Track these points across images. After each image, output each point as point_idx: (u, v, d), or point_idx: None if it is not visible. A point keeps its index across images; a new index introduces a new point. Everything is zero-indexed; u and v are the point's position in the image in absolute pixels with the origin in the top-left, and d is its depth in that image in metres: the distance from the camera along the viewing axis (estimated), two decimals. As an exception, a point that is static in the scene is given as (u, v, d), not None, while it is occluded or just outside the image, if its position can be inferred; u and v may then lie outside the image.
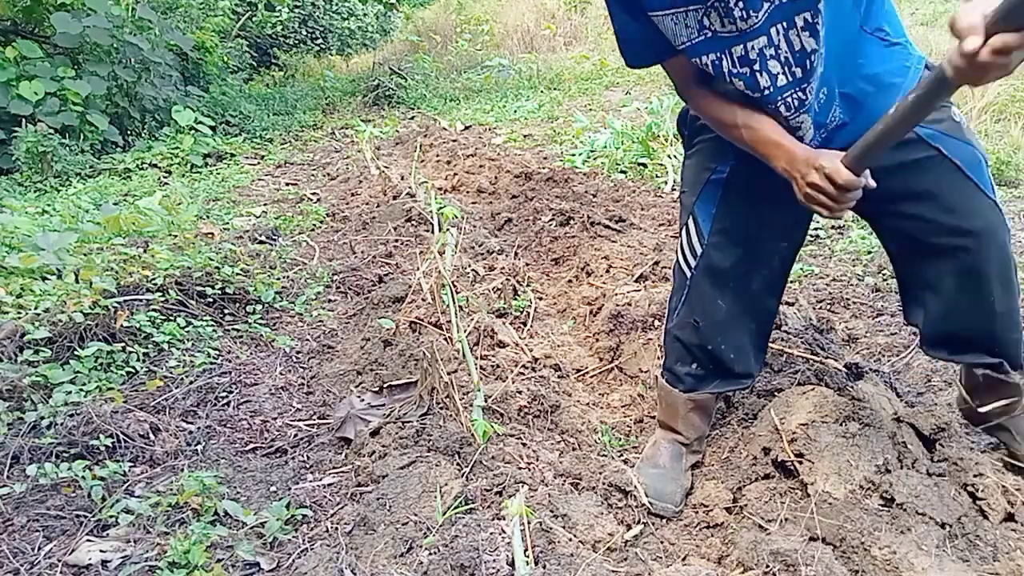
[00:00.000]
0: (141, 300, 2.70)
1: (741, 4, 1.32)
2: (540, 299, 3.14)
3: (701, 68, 1.45)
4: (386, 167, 5.65)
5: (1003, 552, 1.45)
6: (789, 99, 1.43)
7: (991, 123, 4.70)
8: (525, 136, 6.70)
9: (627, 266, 3.12)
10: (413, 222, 4.10)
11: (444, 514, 1.62)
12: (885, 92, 1.47)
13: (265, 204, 5.06)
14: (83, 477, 1.80)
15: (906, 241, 1.62)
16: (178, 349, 2.58)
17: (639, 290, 2.87)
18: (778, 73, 1.39)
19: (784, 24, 1.34)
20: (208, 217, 4.55)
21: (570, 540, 1.58)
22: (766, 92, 1.42)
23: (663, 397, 1.95)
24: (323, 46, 15.02)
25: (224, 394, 2.39)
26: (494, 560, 1.48)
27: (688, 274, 1.76)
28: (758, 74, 1.40)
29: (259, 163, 6.80)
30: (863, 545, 1.49)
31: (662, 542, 1.71)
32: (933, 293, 1.62)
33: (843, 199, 1.36)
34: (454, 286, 2.86)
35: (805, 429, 1.80)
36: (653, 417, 2.24)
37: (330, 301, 3.26)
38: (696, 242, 1.73)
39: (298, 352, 2.76)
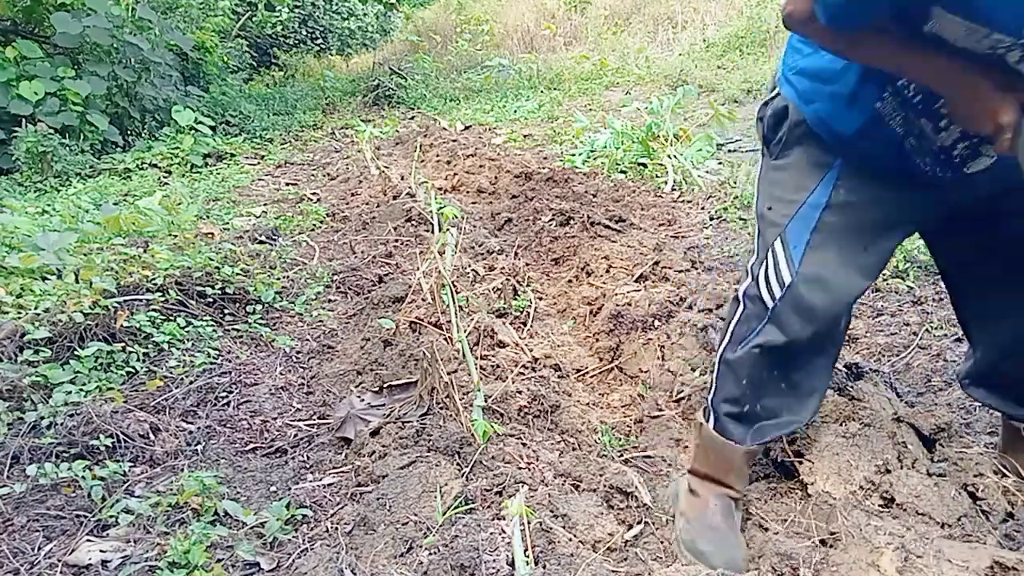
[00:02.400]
0: (141, 300, 2.70)
1: None
2: (540, 299, 3.14)
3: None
4: (386, 167, 5.65)
5: (1004, 552, 1.45)
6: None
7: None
8: (525, 136, 6.70)
9: (627, 266, 3.12)
10: (413, 222, 4.10)
11: (444, 514, 1.62)
12: None
13: (265, 204, 5.06)
14: (83, 477, 1.80)
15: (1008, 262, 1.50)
16: (178, 349, 2.58)
17: (639, 290, 2.87)
18: None
19: None
20: (208, 217, 4.55)
21: (570, 540, 1.58)
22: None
23: (712, 449, 1.67)
24: (323, 46, 15.03)
25: (224, 394, 2.39)
26: (494, 560, 1.48)
27: (770, 304, 1.52)
28: None
29: (259, 163, 6.81)
30: (863, 545, 1.49)
31: (662, 542, 1.71)
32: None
33: None
34: (454, 286, 2.85)
35: (805, 429, 1.80)
36: (654, 417, 2.23)
37: (330, 301, 3.26)
38: (785, 269, 1.51)
39: (298, 352, 2.76)
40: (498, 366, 2.42)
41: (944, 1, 1.12)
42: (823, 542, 1.57)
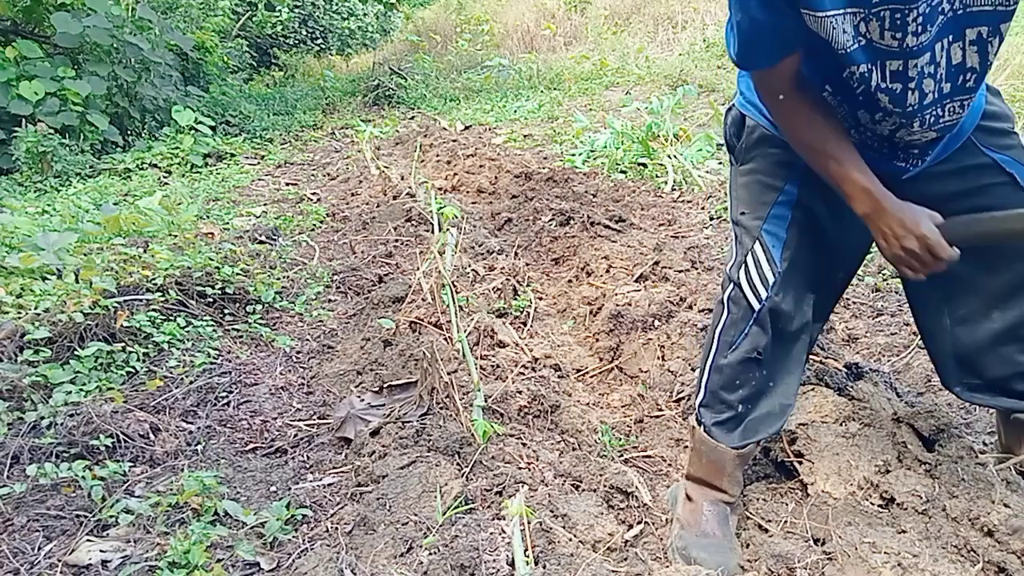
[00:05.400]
0: (141, 300, 2.70)
1: (919, 18, 1.18)
2: (540, 299, 3.14)
3: (808, 76, 1.35)
4: (386, 167, 5.65)
5: (1003, 552, 1.45)
6: (928, 116, 1.34)
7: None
8: (525, 136, 6.70)
9: (627, 266, 3.12)
10: (413, 222, 4.10)
11: (444, 514, 1.62)
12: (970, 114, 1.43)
13: (265, 204, 5.06)
14: (83, 477, 1.80)
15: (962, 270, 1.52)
16: (178, 349, 2.58)
17: (639, 290, 2.87)
18: (930, 91, 1.30)
19: (951, 37, 1.25)
20: (208, 217, 4.55)
21: (570, 540, 1.58)
22: (909, 109, 1.32)
23: (703, 452, 1.68)
24: (323, 46, 15.03)
25: (224, 394, 2.39)
26: (494, 560, 1.48)
27: (757, 305, 1.56)
28: (909, 91, 1.30)
29: (259, 163, 6.80)
30: (863, 545, 1.49)
31: (662, 542, 1.71)
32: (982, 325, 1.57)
33: (937, 268, 1.33)
34: (454, 286, 2.86)
35: (805, 429, 1.80)
36: (654, 417, 2.24)
37: (330, 301, 3.26)
38: (768, 270, 1.55)
39: (298, 352, 2.76)
40: (498, 366, 2.42)
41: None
42: (822, 542, 1.57)
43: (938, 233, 1.32)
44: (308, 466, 2.04)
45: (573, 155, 5.54)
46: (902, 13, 1.19)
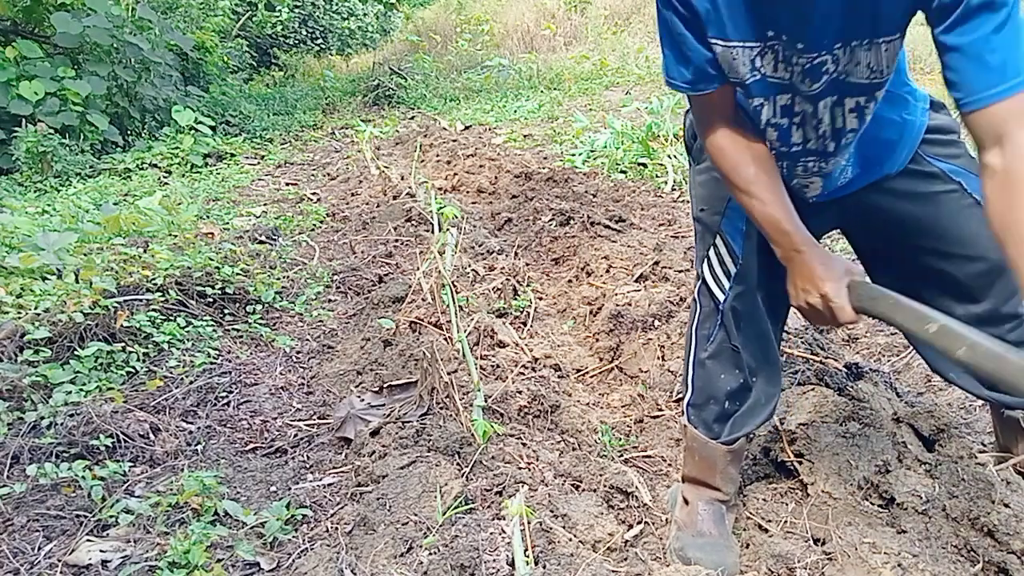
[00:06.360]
0: (141, 300, 2.70)
1: (804, 59, 1.25)
2: (540, 299, 3.14)
3: (738, 105, 1.39)
4: (386, 167, 5.66)
5: (1003, 552, 1.45)
6: (810, 163, 1.42)
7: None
8: (525, 136, 6.70)
9: (627, 266, 3.12)
10: (413, 222, 4.10)
11: (444, 514, 1.62)
12: (895, 146, 1.47)
13: (265, 204, 5.06)
14: (83, 477, 1.80)
15: (912, 272, 1.57)
16: (178, 349, 2.58)
17: (639, 290, 2.87)
18: (811, 139, 1.38)
19: (835, 98, 1.31)
20: (208, 217, 4.55)
21: (570, 540, 1.58)
22: (793, 149, 1.40)
23: (695, 450, 1.69)
24: (323, 46, 15.04)
25: (224, 394, 2.39)
26: (494, 560, 1.48)
27: (722, 297, 1.60)
28: (794, 128, 1.37)
29: (259, 163, 6.81)
30: (863, 545, 1.49)
31: (662, 542, 1.71)
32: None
33: (834, 326, 1.39)
34: (454, 286, 2.86)
35: (805, 429, 1.80)
36: (654, 417, 2.24)
37: (330, 301, 3.26)
38: (729, 263, 1.59)
39: (298, 352, 2.76)
40: (498, 366, 2.42)
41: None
42: (822, 542, 1.58)
43: (844, 296, 1.30)
44: (308, 466, 2.04)
45: (573, 155, 5.54)
46: (792, 48, 1.25)
